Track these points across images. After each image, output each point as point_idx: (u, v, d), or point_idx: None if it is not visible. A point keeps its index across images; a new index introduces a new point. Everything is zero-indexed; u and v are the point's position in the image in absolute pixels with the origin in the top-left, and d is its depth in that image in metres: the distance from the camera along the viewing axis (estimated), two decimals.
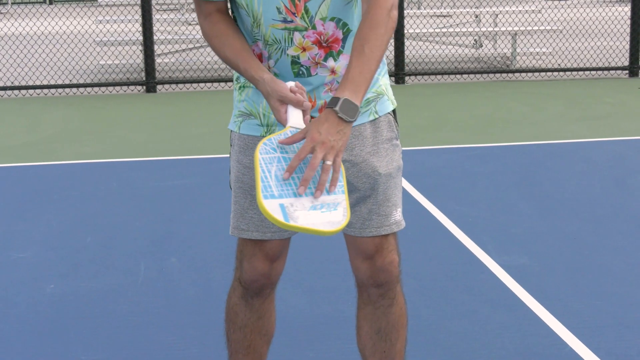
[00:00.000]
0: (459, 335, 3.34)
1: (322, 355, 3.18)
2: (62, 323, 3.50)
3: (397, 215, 2.39)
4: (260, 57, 2.27)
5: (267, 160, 2.03)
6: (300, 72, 2.24)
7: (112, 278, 3.97)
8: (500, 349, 3.21)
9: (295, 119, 2.13)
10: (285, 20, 2.18)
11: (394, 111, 2.40)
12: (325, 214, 1.97)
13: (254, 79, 2.20)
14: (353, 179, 2.31)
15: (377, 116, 2.33)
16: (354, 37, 2.18)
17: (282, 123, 2.15)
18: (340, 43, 2.22)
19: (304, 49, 2.21)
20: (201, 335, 3.35)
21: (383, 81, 2.37)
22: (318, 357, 3.17)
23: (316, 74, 2.24)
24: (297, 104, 2.13)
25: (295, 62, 2.22)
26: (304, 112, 2.14)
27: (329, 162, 2.03)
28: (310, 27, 2.19)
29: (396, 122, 2.40)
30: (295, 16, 2.17)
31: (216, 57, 9.77)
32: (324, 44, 2.21)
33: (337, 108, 2.06)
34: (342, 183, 2.06)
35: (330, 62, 2.23)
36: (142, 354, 3.21)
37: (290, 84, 2.17)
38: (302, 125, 2.12)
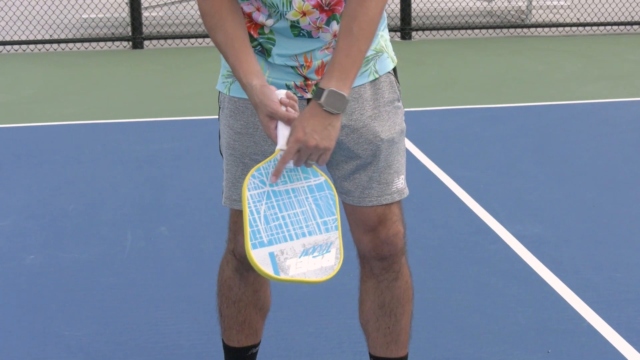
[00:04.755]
0: (469, 309, 3.34)
1: (322, 331, 3.19)
2: (43, 296, 3.50)
3: (400, 183, 2.37)
4: (255, 23, 2.20)
5: (256, 198, 2.02)
6: (301, 34, 2.20)
7: (97, 248, 3.98)
8: (513, 324, 3.22)
9: (285, 139, 2.08)
10: None
11: (394, 70, 2.37)
12: (317, 259, 2.02)
13: (241, 82, 2.15)
14: (353, 146, 2.29)
15: (377, 76, 2.30)
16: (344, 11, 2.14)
17: (272, 139, 2.12)
18: (343, 4, 2.17)
19: (304, 14, 2.16)
20: (192, 309, 3.36)
21: (383, 37, 2.33)
22: (318, 332, 3.18)
23: (318, 37, 2.20)
24: (288, 122, 2.09)
25: (294, 26, 2.18)
26: None
27: (312, 162, 2.10)
28: None
29: (397, 81, 2.37)
30: None
31: None
32: (325, 8, 2.16)
33: (321, 101, 2.06)
34: (335, 217, 2.08)
35: (334, 26, 2.19)
36: (129, 329, 3.22)
37: (281, 93, 2.11)
38: None
